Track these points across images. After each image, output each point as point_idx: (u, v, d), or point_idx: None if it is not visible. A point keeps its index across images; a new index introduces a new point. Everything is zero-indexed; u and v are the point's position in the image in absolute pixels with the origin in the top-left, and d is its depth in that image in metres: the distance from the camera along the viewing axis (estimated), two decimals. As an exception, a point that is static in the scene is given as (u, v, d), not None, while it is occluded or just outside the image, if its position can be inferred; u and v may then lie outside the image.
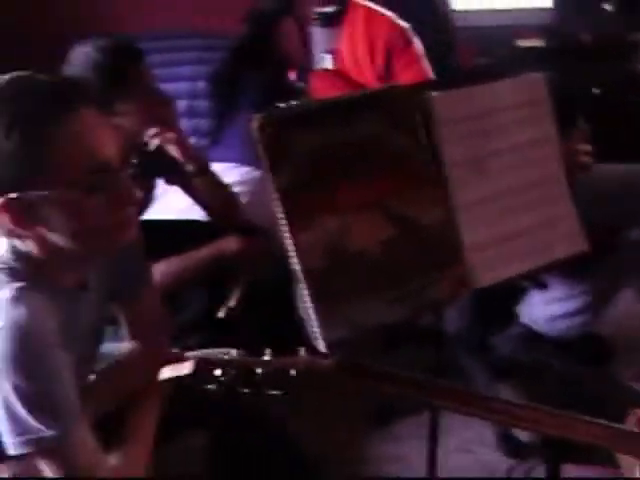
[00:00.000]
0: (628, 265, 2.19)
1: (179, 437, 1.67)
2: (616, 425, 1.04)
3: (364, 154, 1.18)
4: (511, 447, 2.21)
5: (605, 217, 2.04)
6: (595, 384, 1.94)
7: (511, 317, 2.42)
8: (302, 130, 1.13)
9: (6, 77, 1.17)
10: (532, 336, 2.34)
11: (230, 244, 2.05)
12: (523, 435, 2.18)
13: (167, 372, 1.10)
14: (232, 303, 1.94)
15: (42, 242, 1.22)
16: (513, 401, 1.14)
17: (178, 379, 1.08)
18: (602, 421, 1.06)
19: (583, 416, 1.06)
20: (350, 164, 1.17)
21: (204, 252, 2.02)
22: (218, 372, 1.03)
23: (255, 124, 1.11)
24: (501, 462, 2.18)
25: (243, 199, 2.44)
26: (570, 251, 1.37)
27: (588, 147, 2.04)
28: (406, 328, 2.19)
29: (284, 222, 1.12)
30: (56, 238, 1.20)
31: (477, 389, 2.29)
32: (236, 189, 2.42)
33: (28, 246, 1.23)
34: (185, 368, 1.06)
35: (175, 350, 1.57)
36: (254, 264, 2.08)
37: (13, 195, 1.14)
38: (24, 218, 1.17)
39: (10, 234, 1.21)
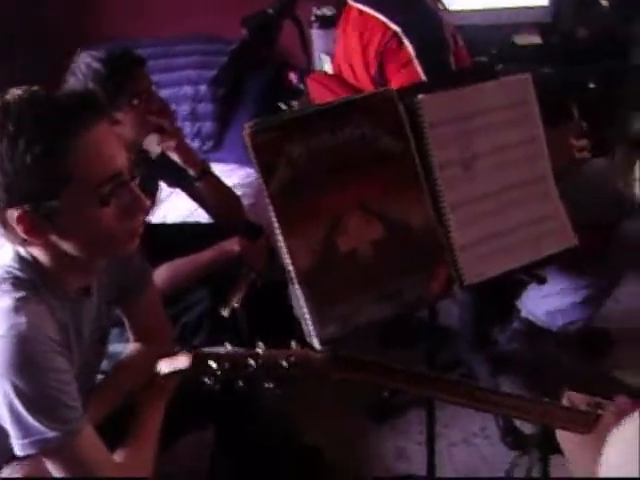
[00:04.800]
0: (625, 258, 2.22)
1: (190, 433, 1.71)
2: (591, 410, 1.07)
3: (354, 158, 1.21)
4: (514, 439, 2.23)
5: (602, 210, 2.07)
6: (591, 377, 1.97)
7: (512, 311, 2.45)
8: (292, 137, 1.16)
9: (19, 92, 1.20)
10: (532, 330, 2.37)
11: (233, 245, 2.07)
12: (526, 427, 2.20)
13: (164, 366, 1.13)
14: (235, 303, 1.97)
15: (53, 250, 1.26)
16: (499, 391, 1.17)
17: (176, 373, 1.10)
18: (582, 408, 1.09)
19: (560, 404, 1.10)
20: (340, 168, 1.20)
21: (207, 254, 2.06)
22: (214, 365, 1.06)
23: (246, 131, 1.15)
24: (504, 455, 2.20)
25: (246, 200, 2.48)
26: (558, 247, 1.40)
27: (583, 142, 2.07)
28: (403, 325, 2.23)
29: (277, 225, 1.16)
30: (67, 246, 1.24)
31: (479, 382, 2.32)
32: (239, 191, 2.46)
33: (36, 254, 1.27)
34: (181, 362, 1.09)
35: (179, 349, 1.61)
36: (257, 264, 2.11)
37: (28, 207, 1.18)
38: (38, 228, 1.20)
39: (22, 243, 1.25)
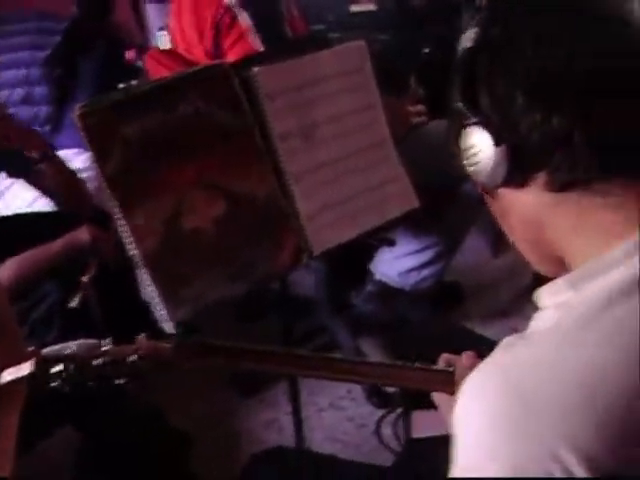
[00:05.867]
0: (468, 215, 2.32)
1: (50, 435, 1.65)
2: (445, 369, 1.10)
3: (191, 135, 1.19)
4: (379, 399, 2.30)
5: (441, 172, 2.14)
6: (444, 332, 2.04)
7: (366, 275, 2.51)
8: (125, 116, 1.13)
9: None
10: (386, 291, 2.44)
11: (82, 234, 1.99)
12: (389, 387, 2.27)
13: (7, 375, 1.06)
14: (82, 291, 1.89)
15: None
16: (357, 360, 1.19)
17: (21, 380, 1.05)
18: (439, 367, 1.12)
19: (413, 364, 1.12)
20: (178, 146, 1.18)
21: (56, 245, 1.95)
22: (58, 368, 1.01)
23: (76, 113, 1.10)
24: (371, 414, 2.27)
25: (91, 185, 2.38)
26: (401, 210, 1.44)
27: (419, 107, 2.13)
28: (258, 299, 2.23)
29: (116, 209, 1.13)
30: None
31: (340, 347, 2.38)
32: (83, 175, 2.37)
33: None
34: (24, 369, 1.03)
35: (31, 348, 1.54)
36: (108, 252, 2.04)
37: None
38: None
39: None
